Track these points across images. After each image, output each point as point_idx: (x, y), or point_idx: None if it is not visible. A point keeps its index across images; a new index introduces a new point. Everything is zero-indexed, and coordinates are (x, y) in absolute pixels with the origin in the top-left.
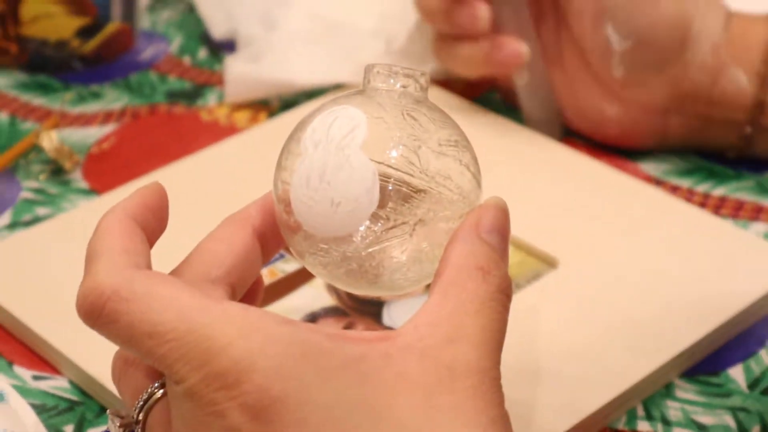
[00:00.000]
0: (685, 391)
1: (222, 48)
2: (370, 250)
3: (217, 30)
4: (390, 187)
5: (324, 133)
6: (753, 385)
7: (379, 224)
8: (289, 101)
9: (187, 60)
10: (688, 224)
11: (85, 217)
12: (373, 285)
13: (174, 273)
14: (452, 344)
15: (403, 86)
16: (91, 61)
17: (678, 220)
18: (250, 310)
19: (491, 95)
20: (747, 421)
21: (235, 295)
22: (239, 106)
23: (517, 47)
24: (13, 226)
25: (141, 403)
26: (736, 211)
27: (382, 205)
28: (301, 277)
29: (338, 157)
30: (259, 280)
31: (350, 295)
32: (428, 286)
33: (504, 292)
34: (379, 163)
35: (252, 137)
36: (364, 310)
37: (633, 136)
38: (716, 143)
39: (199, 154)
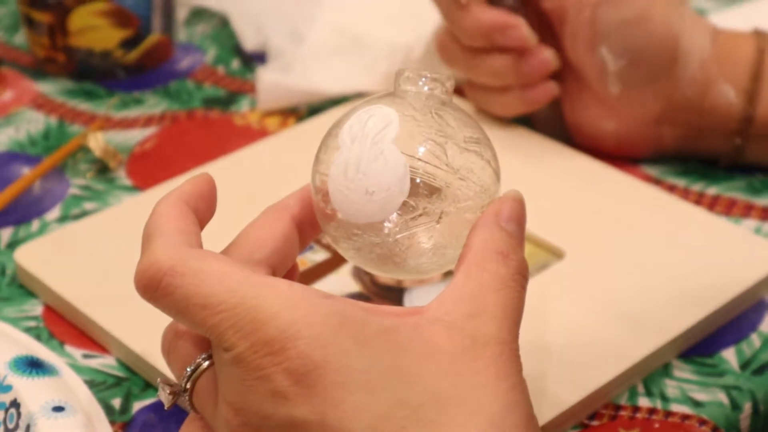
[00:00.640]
0: (682, 370)
1: (253, 59)
2: (399, 236)
3: (249, 42)
4: (418, 180)
5: (360, 128)
6: (745, 365)
7: (409, 213)
8: (315, 108)
9: (221, 69)
10: (684, 219)
11: (129, 211)
12: (399, 269)
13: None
14: (475, 318)
15: (431, 89)
16: (133, 70)
17: (675, 216)
18: (294, 285)
19: None
20: (739, 398)
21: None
22: (270, 112)
23: (545, 55)
24: (63, 219)
25: (189, 373)
26: (728, 209)
27: (411, 195)
28: (329, 265)
29: (373, 151)
30: (295, 266)
31: (373, 282)
32: (447, 273)
33: (522, 274)
34: (410, 156)
35: (282, 140)
36: (386, 296)
37: (629, 147)
38: (708, 152)
39: (233, 154)
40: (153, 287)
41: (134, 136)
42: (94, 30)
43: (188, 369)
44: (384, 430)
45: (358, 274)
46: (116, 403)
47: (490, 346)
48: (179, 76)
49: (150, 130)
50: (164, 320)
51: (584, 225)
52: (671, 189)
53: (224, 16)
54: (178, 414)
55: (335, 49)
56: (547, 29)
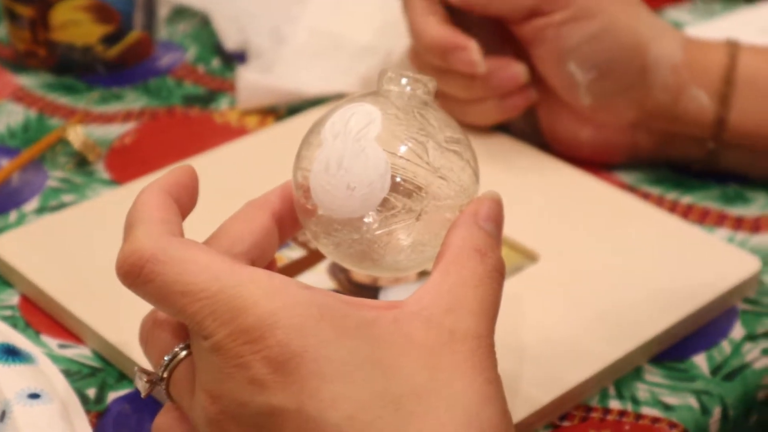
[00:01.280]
0: (653, 374)
1: (233, 58)
2: (378, 232)
3: (230, 42)
4: (398, 178)
5: (343, 126)
6: (715, 371)
7: (389, 210)
8: (294, 108)
9: (201, 68)
10: (658, 227)
11: (107, 204)
12: (377, 265)
13: None
14: (453, 313)
15: (413, 89)
16: (114, 66)
17: (649, 223)
18: (275, 275)
19: None
20: (709, 402)
21: None
22: (249, 111)
23: (515, 70)
24: (41, 210)
25: (166, 362)
26: (702, 218)
27: (392, 192)
28: (305, 263)
29: (355, 147)
30: (273, 261)
31: (349, 280)
32: (422, 273)
33: (499, 272)
34: (391, 154)
35: (261, 139)
36: (361, 294)
37: (606, 154)
38: (682, 157)
39: (212, 151)
40: (134, 274)
41: (113, 131)
42: (75, 25)
43: (166, 358)
44: (362, 419)
45: (334, 271)
46: (91, 393)
47: (468, 340)
48: (159, 73)
49: (129, 126)
50: (140, 311)
51: (559, 229)
52: (646, 197)
53: (205, 15)
54: (152, 404)
55: (315, 50)
56: (521, 49)
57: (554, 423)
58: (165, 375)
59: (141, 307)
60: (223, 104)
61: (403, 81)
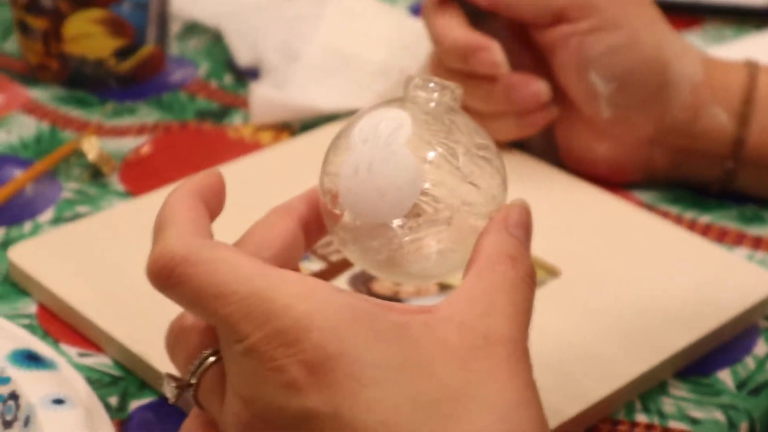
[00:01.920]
0: (679, 389)
1: (246, 74)
2: (407, 238)
3: (243, 58)
4: (428, 184)
5: (372, 131)
6: (740, 386)
7: (418, 215)
8: (308, 124)
9: (213, 83)
10: (678, 244)
11: (123, 215)
12: (405, 272)
13: None
14: (487, 317)
15: (440, 95)
16: (126, 80)
17: (669, 241)
18: (307, 277)
19: None
20: (736, 417)
21: None
22: (263, 126)
23: (537, 87)
24: (56, 221)
25: (194, 367)
26: (720, 237)
27: (421, 197)
28: (325, 275)
29: (385, 152)
30: (297, 268)
31: (370, 292)
32: (444, 287)
33: (531, 277)
34: (421, 158)
35: (276, 153)
36: None
37: (621, 171)
38: (700, 177)
39: (227, 165)
40: (166, 276)
41: (127, 143)
42: (88, 38)
43: (193, 364)
44: (397, 423)
45: (355, 284)
46: (113, 401)
47: (503, 344)
48: (172, 88)
49: (143, 139)
50: (159, 319)
51: (579, 246)
52: (664, 215)
53: (217, 31)
54: (175, 413)
55: (329, 67)
56: (540, 59)
57: None
58: (193, 381)
59: (160, 315)
60: (236, 119)
61: (431, 86)
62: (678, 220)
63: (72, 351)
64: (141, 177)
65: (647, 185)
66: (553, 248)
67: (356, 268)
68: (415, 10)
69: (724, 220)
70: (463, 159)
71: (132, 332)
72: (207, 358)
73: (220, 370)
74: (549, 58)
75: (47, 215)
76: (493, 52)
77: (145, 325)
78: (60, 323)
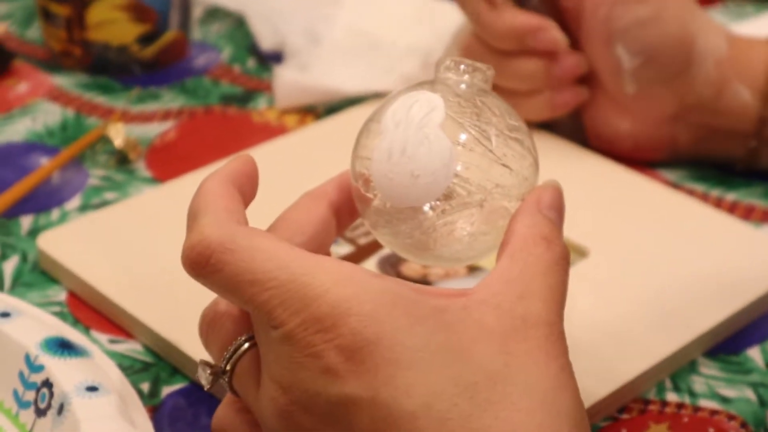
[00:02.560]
0: (709, 367)
1: (269, 58)
2: (440, 221)
3: (266, 42)
4: (460, 166)
5: (404, 114)
6: None
7: (452, 198)
8: (332, 107)
9: (237, 68)
10: (705, 222)
11: (150, 201)
12: (436, 255)
13: None
14: (523, 299)
15: (471, 77)
16: (149, 65)
17: (696, 219)
18: (343, 263)
19: None
20: (766, 395)
21: None
22: (288, 110)
23: (576, 59)
24: (83, 208)
25: (229, 354)
26: (747, 214)
27: (454, 180)
28: (353, 259)
29: (418, 135)
30: (329, 253)
31: (399, 275)
32: (472, 269)
33: (565, 259)
34: (455, 141)
35: (302, 137)
36: None
37: (645, 149)
38: (724, 155)
39: (253, 149)
40: (202, 264)
41: (152, 129)
42: (111, 24)
43: (228, 351)
44: (437, 407)
45: (384, 267)
46: (145, 387)
47: (540, 326)
48: (195, 73)
49: (168, 125)
50: (189, 305)
51: (607, 225)
52: (690, 194)
53: (239, 15)
54: (208, 399)
55: (352, 50)
56: (564, 30)
57: (613, 416)
58: (228, 368)
59: (190, 301)
60: (260, 104)
61: (462, 68)
62: (704, 198)
63: (103, 338)
64: (167, 162)
65: (673, 164)
66: (580, 228)
67: (385, 251)
68: None
69: (751, 197)
70: (495, 141)
71: (162, 318)
72: (242, 344)
73: (255, 357)
74: (575, 29)
75: (74, 202)
76: (552, 30)
77: (176, 311)
78: (90, 310)
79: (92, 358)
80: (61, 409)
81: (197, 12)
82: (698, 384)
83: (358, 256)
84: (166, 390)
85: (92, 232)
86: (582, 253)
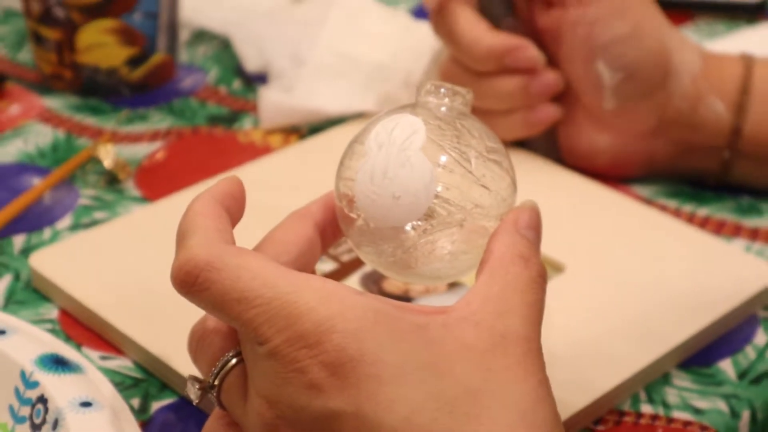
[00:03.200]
0: (682, 379)
1: (254, 80)
2: (421, 241)
3: (251, 64)
4: (441, 187)
5: (387, 136)
6: (742, 375)
7: (432, 218)
8: (316, 127)
9: (223, 89)
10: (678, 237)
11: (140, 220)
12: (417, 274)
13: None
14: (503, 316)
15: (451, 100)
16: (138, 87)
17: (669, 234)
18: (327, 281)
19: None
20: (738, 406)
21: None
22: (272, 130)
23: (551, 76)
24: (74, 227)
25: (216, 370)
26: (718, 229)
27: (435, 201)
28: (337, 275)
29: (400, 157)
30: (314, 271)
31: (381, 291)
32: (451, 284)
33: (542, 277)
34: (435, 163)
35: (286, 156)
36: None
37: (623, 164)
38: (699, 169)
39: (239, 169)
40: (190, 282)
41: (141, 149)
42: (101, 47)
43: (216, 366)
44: (418, 421)
45: (366, 283)
46: (135, 403)
47: (519, 343)
48: (182, 94)
49: (156, 145)
50: (178, 322)
51: (582, 241)
52: (663, 209)
53: (225, 38)
54: (196, 413)
55: (335, 71)
56: (540, 49)
57: (589, 427)
58: (216, 382)
59: (178, 318)
60: (246, 124)
61: (442, 92)
62: (677, 213)
63: (94, 354)
64: (156, 182)
65: (646, 180)
66: (556, 244)
67: (367, 268)
68: (417, 13)
69: (722, 212)
70: (474, 162)
71: (152, 335)
72: (229, 360)
73: (242, 372)
74: (553, 48)
75: (66, 222)
76: (529, 49)
77: (164, 328)
78: (81, 327)
79: (86, 374)
80: (55, 425)
81: (184, 35)
82: (672, 396)
83: (341, 272)
84: (156, 405)
85: (83, 251)
86: (558, 268)
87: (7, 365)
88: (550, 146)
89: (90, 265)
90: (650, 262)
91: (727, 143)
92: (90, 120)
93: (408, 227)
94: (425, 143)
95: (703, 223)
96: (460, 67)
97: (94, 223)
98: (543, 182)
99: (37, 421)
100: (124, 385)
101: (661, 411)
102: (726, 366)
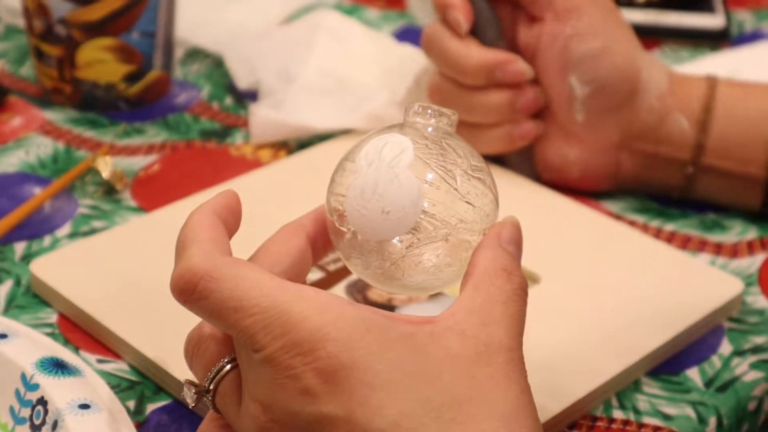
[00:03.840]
0: (651, 387)
1: (245, 97)
2: (407, 254)
3: (242, 81)
4: (427, 203)
5: (376, 154)
6: (708, 383)
7: (419, 232)
8: (304, 142)
9: (215, 105)
10: (646, 251)
11: (136, 229)
12: (403, 285)
13: None
14: (486, 327)
15: (437, 121)
16: (134, 102)
17: (638, 248)
18: (321, 292)
19: None
20: (705, 413)
21: None
22: (262, 145)
23: (536, 92)
24: (73, 235)
25: (212, 375)
26: (684, 244)
27: (422, 216)
28: (323, 284)
29: (389, 174)
30: (305, 282)
31: (366, 300)
32: (433, 295)
33: (524, 290)
34: (423, 180)
35: (275, 170)
36: None
37: (591, 176)
38: (662, 183)
39: (230, 181)
40: (189, 291)
41: (138, 161)
42: (100, 64)
43: (211, 372)
44: (406, 426)
45: (351, 291)
46: (131, 404)
47: (502, 352)
48: (177, 109)
49: (152, 158)
50: (172, 327)
51: (557, 254)
52: (631, 224)
53: (218, 56)
54: (189, 415)
55: (323, 89)
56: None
57: (564, 431)
58: (212, 387)
59: (173, 324)
60: (237, 138)
61: (429, 113)
62: (645, 228)
63: (91, 358)
64: (151, 193)
65: (615, 196)
66: (532, 256)
67: (352, 277)
68: (399, 36)
69: (687, 228)
70: (459, 180)
71: (147, 339)
72: (224, 366)
73: (237, 377)
74: (534, 65)
75: (65, 230)
76: (518, 62)
77: (159, 332)
78: (80, 332)
79: (84, 377)
80: (55, 426)
81: (179, 53)
82: (642, 402)
83: (327, 281)
84: (151, 407)
85: (82, 259)
86: (534, 279)
87: (9, 368)
88: (526, 162)
89: (88, 272)
90: (621, 275)
91: (691, 158)
92: (89, 133)
93: (396, 241)
94: (413, 161)
95: (670, 238)
96: (448, 82)
97: (92, 231)
98: (521, 198)
99: (37, 422)
100: (120, 387)
101: (632, 416)
102: (693, 374)
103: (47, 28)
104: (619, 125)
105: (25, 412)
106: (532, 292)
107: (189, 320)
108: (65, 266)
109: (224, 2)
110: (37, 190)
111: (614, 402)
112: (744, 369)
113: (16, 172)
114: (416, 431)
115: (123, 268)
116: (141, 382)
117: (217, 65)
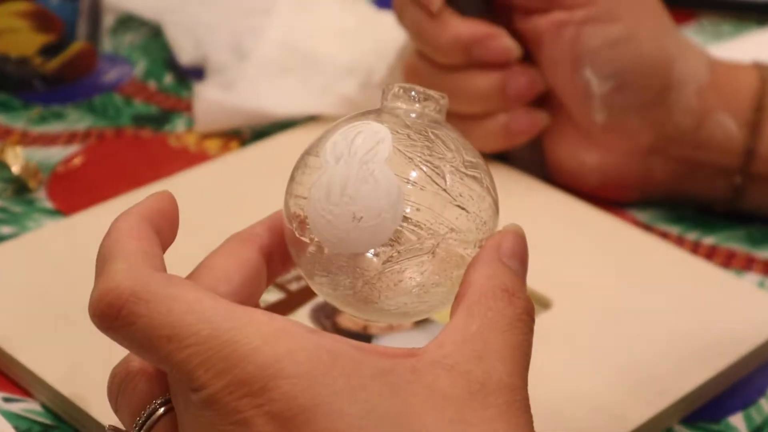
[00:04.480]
0: None
1: (189, 74)
2: (385, 270)
3: (185, 56)
4: (410, 208)
5: (347, 147)
6: None
7: (400, 244)
8: (261, 131)
9: (152, 85)
10: (681, 270)
11: (52, 237)
12: (380, 309)
13: None
14: (482, 360)
15: (423, 106)
16: (52, 80)
17: (671, 266)
18: (275, 317)
19: None
20: None
21: None
22: (209, 134)
23: (532, 75)
24: None
25: (141, 420)
26: (727, 261)
27: (403, 223)
28: (283, 307)
29: (362, 171)
30: (258, 305)
31: (336, 327)
32: (418, 322)
33: (529, 315)
34: (404, 179)
35: (224, 165)
36: None
37: (614, 186)
38: (704, 194)
39: (169, 179)
40: (112, 316)
41: (55, 153)
42: (11, 33)
43: (140, 416)
44: None
45: (318, 317)
46: None
47: (501, 392)
48: (104, 89)
49: (73, 148)
50: (97, 361)
51: (572, 272)
52: (663, 236)
53: (155, 25)
54: None
55: (285, 66)
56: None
57: None
58: None
59: (97, 356)
60: (178, 126)
61: (413, 96)
62: (679, 241)
63: None
64: (72, 192)
65: (644, 202)
66: (542, 275)
67: (319, 299)
68: (379, 2)
69: (731, 241)
70: (450, 179)
71: (65, 374)
72: (156, 409)
73: (172, 423)
74: (535, 53)
75: None
76: (502, 38)
77: (80, 367)
78: None
79: None
80: None
81: (108, 21)
82: None
83: (288, 304)
84: None
85: None
86: (544, 304)
87: None
88: (535, 160)
89: None
90: (649, 299)
91: (739, 166)
92: None
93: (370, 254)
94: (392, 155)
95: (711, 253)
96: (426, 62)
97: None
98: (527, 203)
99: None
100: None
101: None
102: (737, 421)
103: None
104: (649, 127)
105: None
106: (543, 319)
107: (116, 352)
108: None
109: None
110: None
111: None
112: None
113: None
114: None
115: (36, 285)
116: (57, 427)
117: (154, 36)
